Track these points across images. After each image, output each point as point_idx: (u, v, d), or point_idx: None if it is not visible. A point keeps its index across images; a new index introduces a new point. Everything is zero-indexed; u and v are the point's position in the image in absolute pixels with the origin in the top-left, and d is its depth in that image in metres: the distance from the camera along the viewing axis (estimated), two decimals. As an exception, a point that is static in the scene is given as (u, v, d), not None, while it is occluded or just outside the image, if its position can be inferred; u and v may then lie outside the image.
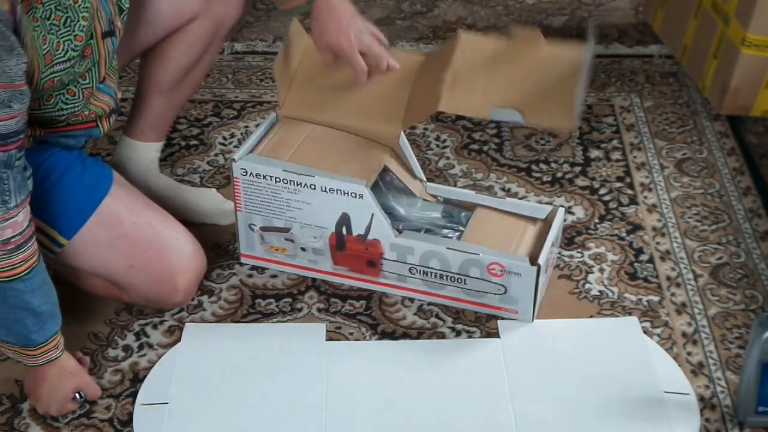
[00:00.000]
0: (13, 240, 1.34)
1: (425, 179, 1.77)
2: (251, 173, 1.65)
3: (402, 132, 1.68)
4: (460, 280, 1.64)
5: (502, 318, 1.66)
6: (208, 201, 1.87)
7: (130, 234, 1.58)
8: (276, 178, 1.65)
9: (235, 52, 2.44)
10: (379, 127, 1.69)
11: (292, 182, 1.64)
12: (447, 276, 1.65)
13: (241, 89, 2.29)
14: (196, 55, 1.78)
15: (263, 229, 1.72)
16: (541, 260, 1.58)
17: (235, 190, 1.69)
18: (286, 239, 1.71)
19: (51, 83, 1.43)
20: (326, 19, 1.65)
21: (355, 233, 1.66)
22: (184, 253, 1.62)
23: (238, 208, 1.71)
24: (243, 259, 1.78)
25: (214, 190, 1.92)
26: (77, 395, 1.51)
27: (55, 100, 1.49)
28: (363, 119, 1.71)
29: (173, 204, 1.79)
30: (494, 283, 1.62)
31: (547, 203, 1.85)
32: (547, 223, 1.68)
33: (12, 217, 1.33)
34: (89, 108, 1.55)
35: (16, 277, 1.36)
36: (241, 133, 2.13)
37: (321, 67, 1.73)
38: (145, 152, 1.84)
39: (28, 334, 1.42)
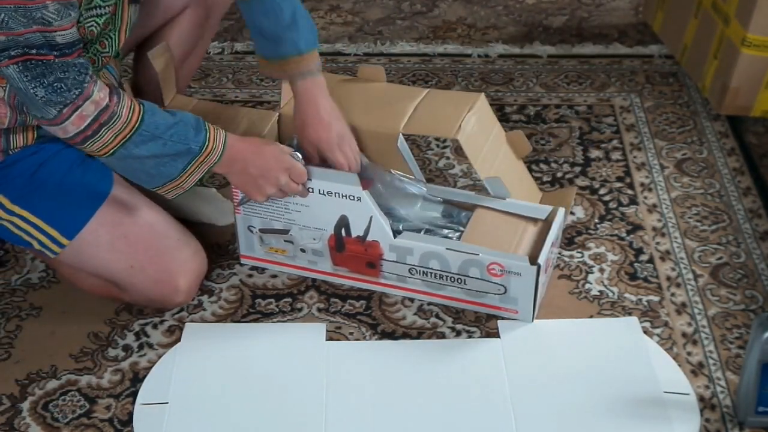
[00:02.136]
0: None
1: (424, 179, 1.78)
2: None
3: (401, 134, 1.69)
4: (459, 281, 1.64)
5: (502, 318, 1.66)
6: (208, 201, 1.87)
7: (131, 234, 1.58)
8: None
9: (235, 52, 2.44)
10: (378, 128, 1.70)
11: None
12: (447, 276, 1.65)
13: (241, 89, 2.29)
14: (190, 43, 1.78)
15: (262, 231, 1.72)
16: (541, 260, 1.58)
17: (233, 193, 1.69)
18: (285, 240, 1.71)
19: (83, 30, 1.43)
20: (306, 113, 1.65)
21: (354, 235, 1.66)
22: (184, 253, 1.63)
23: (236, 211, 1.71)
24: (243, 260, 1.78)
25: (213, 189, 1.92)
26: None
27: None
28: (363, 120, 1.71)
29: (173, 204, 1.79)
30: (494, 283, 1.62)
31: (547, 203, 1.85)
32: (548, 223, 1.68)
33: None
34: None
35: (125, 140, 1.45)
36: (241, 134, 2.13)
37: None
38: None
39: (190, 144, 1.50)
